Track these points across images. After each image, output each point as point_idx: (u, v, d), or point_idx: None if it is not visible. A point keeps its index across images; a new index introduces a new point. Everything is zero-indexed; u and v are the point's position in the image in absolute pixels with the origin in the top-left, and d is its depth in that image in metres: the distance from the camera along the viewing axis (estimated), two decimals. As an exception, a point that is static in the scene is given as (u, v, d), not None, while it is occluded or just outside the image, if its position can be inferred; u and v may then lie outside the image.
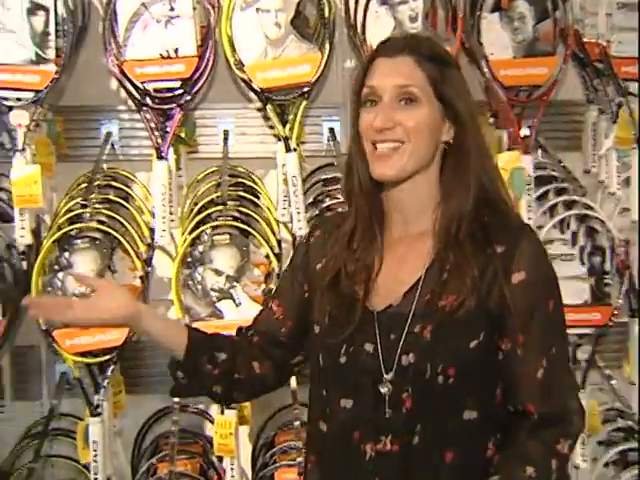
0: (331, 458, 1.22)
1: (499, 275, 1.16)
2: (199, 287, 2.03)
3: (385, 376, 1.16)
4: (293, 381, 2.00)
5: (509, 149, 2.20)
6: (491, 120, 2.29)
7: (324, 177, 2.25)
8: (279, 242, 2.07)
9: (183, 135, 2.16)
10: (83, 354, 1.98)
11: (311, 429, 1.27)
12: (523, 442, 1.16)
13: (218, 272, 2.03)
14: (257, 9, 2.04)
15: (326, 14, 2.06)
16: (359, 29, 2.07)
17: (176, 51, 2.03)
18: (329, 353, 1.21)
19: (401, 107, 1.17)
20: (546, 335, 1.17)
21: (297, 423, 2.07)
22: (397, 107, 1.17)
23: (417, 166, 1.18)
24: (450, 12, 2.11)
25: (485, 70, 2.11)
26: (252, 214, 2.06)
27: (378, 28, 2.05)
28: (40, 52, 1.97)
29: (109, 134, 2.25)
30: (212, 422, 2.16)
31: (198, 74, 2.05)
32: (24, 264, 2.05)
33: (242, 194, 2.14)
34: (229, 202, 2.08)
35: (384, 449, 1.15)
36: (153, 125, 2.09)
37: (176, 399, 2.06)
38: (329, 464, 1.22)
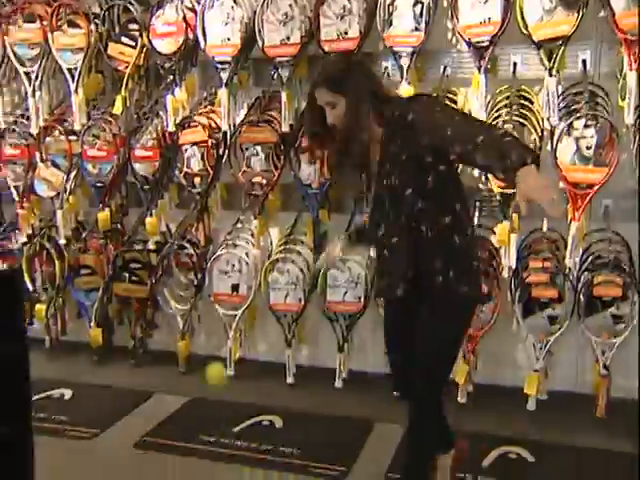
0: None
1: (413, 121, 2.45)
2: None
3: (385, 182, 2.57)
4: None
5: None
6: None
7: (574, 91, 3.73)
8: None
9: (489, 67, 3.73)
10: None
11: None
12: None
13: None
14: (539, -10, 3.45)
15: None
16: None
17: (489, 19, 3.56)
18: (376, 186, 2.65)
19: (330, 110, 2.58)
20: (442, 116, 2.44)
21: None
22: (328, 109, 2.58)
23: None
24: None
25: None
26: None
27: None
28: (417, 25, 3.67)
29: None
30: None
31: (500, 31, 3.56)
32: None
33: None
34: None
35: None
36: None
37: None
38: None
